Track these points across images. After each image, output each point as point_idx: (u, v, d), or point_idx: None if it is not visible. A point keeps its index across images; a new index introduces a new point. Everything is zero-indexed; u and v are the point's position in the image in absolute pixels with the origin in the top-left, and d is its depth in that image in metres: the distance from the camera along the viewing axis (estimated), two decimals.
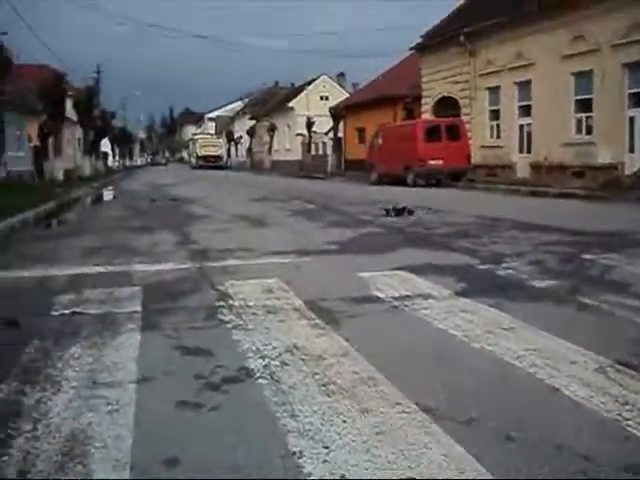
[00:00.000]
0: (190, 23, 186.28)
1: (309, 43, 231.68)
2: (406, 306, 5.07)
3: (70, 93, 38.28)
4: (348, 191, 23.06)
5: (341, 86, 68.09)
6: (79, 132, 47.27)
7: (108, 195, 21.19)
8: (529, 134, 27.48)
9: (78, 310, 5.22)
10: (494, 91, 29.71)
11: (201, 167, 73.44)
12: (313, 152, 53.64)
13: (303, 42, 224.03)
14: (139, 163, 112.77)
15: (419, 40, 36.04)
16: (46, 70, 39.83)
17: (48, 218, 14.67)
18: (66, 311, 5.21)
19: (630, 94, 22.10)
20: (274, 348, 4.03)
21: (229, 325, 4.64)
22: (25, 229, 12.20)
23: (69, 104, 37.30)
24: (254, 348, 4.04)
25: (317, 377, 3.48)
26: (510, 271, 6.47)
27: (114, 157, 78.00)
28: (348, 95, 57.66)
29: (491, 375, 3.51)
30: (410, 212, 13.04)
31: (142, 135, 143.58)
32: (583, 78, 24.07)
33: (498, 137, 29.58)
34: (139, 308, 5.26)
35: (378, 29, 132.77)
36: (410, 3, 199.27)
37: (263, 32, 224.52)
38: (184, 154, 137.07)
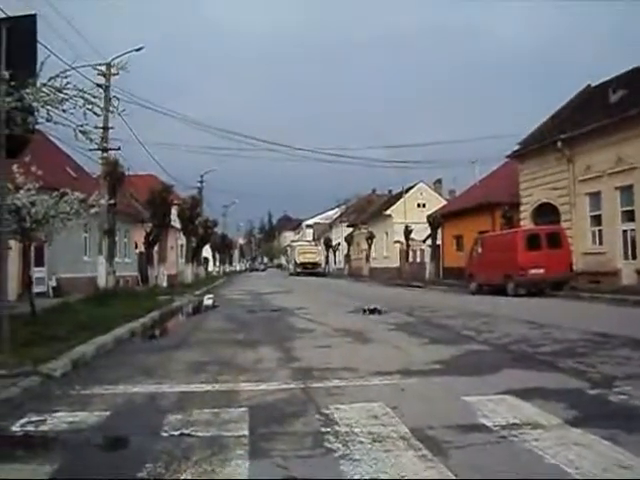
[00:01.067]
0: (290, 134, 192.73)
1: (405, 152, 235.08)
2: (515, 436, 4.96)
3: (175, 202, 40.01)
4: (448, 301, 22.87)
5: (438, 193, 68.63)
6: (182, 239, 49.16)
7: (209, 304, 21.75)
8: (633, 239, 26.77)
9: (187, 432, 5.36)
10: (595, 197, 29.27)
11: (299, 274, 74.53)
12: (411, 259, 53.71)
13: (399, 151, 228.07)
14: (238, 269, 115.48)
15: (516, 147, 36.21)
16: (153, 180, 42.00)
17: (153, 328, 15.19)
18: (175, 432, 5.36)
19: None
20: None
21: (336, 454, 4.65)
22: (132, 340, 12.70)
23: (174, 213, 39.02)
24: None
25: None
26: (623, 397, 6.22)
27: (214, 263, 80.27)
28: (445, 202, 57.98)
29: None
30: (380, 312, 16.64)
31: (241, 241, 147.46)
32: None
33: (600, 243, 28.92)
34: (246, 432, 5.34)
35: (474, 138, 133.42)
36: (500, 109, 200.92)
37: (361, 143, 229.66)
38: (282, 260, 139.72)
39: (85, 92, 9.34)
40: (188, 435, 5.27)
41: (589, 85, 35.10)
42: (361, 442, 4.92)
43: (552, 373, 7.72)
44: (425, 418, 5.59)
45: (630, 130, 26.04)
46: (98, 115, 10.34)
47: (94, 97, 9.66)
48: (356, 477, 4.11)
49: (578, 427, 5.15)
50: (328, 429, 5.35)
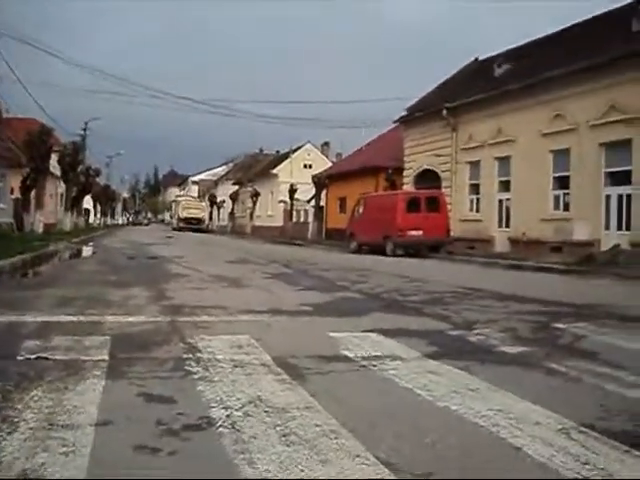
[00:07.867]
0: (181, 85, 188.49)
1: (294, 111, 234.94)
2: (374, 366, 5.05)
3: (56, 148, 38.40)
4: (326, 258, 23.11)
5: (325, 155, 68.94)
6: (62, 187, 47.39)
7: (87, 251, 21.15)
8: (508, 209, 27.91)
9: (44, 355, 5.18)
10: (475, 165, 30.27)
11: (182, 229, 73.60)
12: (295, 219, 53.94)
13: (288, 110, 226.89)
14: (120, 222, 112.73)
15: (403, 113, 36.77)
16: (33, 123, 40.08)
17: (25, 269, 14.57)
18: (31, 356, 5.16)
19: (606, 173, 22.60)
20: (238, 399, 4.00)
21: (195, 376, 4.60)
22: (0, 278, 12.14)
23: (54, 159, 37.45)
24: (218, 399, 4.01)
25: (278, 428, 3.45)
26: (481, 337, 6.46)
27: (95, 215, 78.03)
28: (331, 164, 58.39)
29: (453, 433, 3.48)
30: None
31: (125, 194, 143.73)
32: (561, 156, 24.66)
33: (477, 211, 29.98)
34: (106, 357, 5.21)
35: (362, 100, 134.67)
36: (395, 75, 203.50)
37: (252, 98, 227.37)
38: (166, 216, 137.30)
39: None
40: (45, 359, 5.08)
41: (476, 59, 36.06)
42: (222, 367, 4.88)
43: (418, 317, 7.91)
44: (289, 349, 5.60)
45: (510, 103, 26.99)
46: None
47: None
48: (211, 396, 4.07)
49: (435, 360, 5.30)
50: (190, 355, 5.28)
